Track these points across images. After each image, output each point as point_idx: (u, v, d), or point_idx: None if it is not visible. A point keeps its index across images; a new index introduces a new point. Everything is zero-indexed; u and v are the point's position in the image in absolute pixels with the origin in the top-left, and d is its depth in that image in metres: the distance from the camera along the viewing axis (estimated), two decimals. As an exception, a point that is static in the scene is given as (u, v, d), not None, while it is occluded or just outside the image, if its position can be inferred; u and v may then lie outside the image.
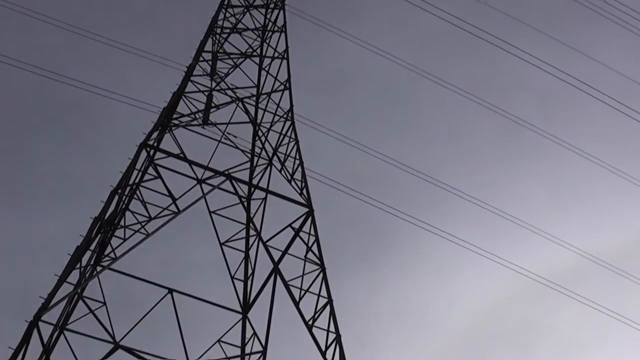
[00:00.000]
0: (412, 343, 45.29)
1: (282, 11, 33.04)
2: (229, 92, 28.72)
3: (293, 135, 28.29)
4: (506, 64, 50.91)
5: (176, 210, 23.40)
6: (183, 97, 26.94)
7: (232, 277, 27.12)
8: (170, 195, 23.79)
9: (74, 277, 21.02)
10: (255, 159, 28.93)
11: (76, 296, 21.95)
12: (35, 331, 19.03)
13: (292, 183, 26.88)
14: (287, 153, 27.95)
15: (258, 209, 27.54)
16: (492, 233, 42.17)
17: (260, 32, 32.03)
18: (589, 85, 38.26)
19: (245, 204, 27.75)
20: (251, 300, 26.55)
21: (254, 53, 31.14)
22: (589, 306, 33.67)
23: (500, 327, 48.21)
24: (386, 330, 44.51)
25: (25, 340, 19.11)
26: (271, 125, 29.00)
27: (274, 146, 28.42)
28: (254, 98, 29.80)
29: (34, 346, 19.34)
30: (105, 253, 23.00)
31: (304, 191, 26.18)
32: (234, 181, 25.03)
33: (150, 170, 24.07)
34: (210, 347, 25.00)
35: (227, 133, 28.09)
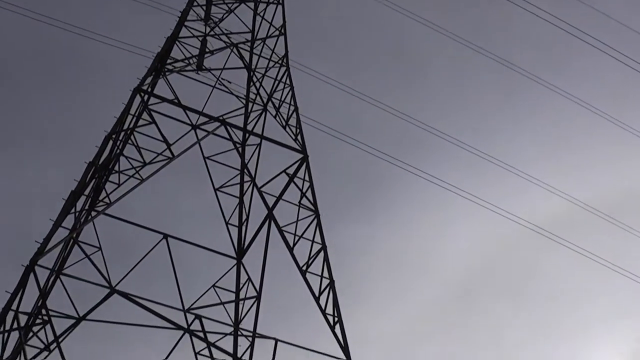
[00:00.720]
0: (406, 289, 45.73)
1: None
2: (224, 38, 28.48)
3: (288, 82, 28.14)
4: (504, 13, 50.48)
5: (170, 156, 23.38)
6: (177, 42, 26.70)
7: (227, 223, 27.25)
8: (165, 140, 23.75)
9: (69, 222, 21.12)
10: (250, 104, 28.82)
11: (71, 241, 22.03)
12: (31, 275, 19.16)
13: (287, 129, 26.83)
14: (282, 99, 27.84)
15: (252, 154, 27.55)
16: (488, 181, 42.27)
17: (255, -24, 31.62)
18: (586, 33, 37.99)
19: (240, 149, 27.75)
20: (245, 245, 26.72)
21: (249, -3, 30.79)
22: (581, 254, 33.95)
23: (494, 274, 48.69)
24: (380, 277, 44.90)
25: (22, 284, 19.25)
26: (266, 71, 28.82)
27: (268, 92, 28.29)
28: (249, 44, 29.55)
29: (30, 291, 19.51)
30: (100, 198, 23.03)
31: (299, 137, 26.15)
32: (228, 127, 24.98)
33: (145, 115, 23.98)
34: (205, 292, 25.25)
35: (222, 79, 27.94)
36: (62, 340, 20.85)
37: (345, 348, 23.53)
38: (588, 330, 48.96)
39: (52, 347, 20.48)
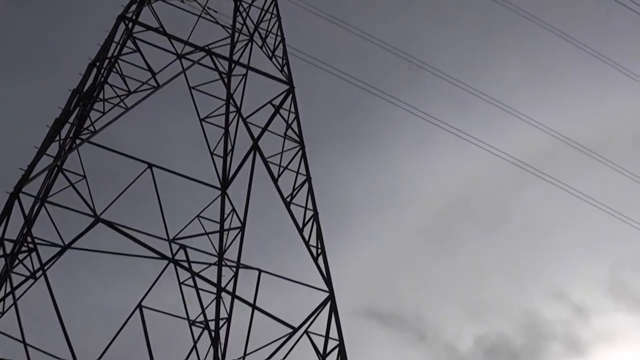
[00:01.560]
0: (388, 219, 46.22)
1: None
2: (210, -35, 27.97)
3: (275, 12, 27.78)
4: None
5: (155, 85, 23.19)
6: (162, -32, 26.22)
7: (212, 153, 27.23)
8: (150, 69, 23.52)
9: (53, 150, 21.02)
10: (236, 34, 28.50)
11: (56, 168, 21.97)
12: (16, 203, 19.14)
13: (273, 60, 26.60)
14: (269, 29, 27.53)
15: (238, 85, 27.35)
16: (468, 113, 42.33)
17: None
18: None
19: (226, 80, 27.54)
20: (230, 176, 26.76)
21: None
22: (561, 188, 34.29)
23: (474, 206, 49.27)
24: (363, 207, 45.27)
25: (7, 212, 19.23)
26: (252, 1, 28.42)
27: (255, 22, 27.94)
28: (235, -29, 29.06)
29: (15, 218, 19.52)
30: (84, 126, 22.89)
31: (285, 68, 25.96)
32: (214, 57, 24.74)
33: (129, 44, 23.68)
34: (189, 222, 25.38)
35: (208, 8, 27.54)
36: (47, 268, 20.99)
37: (327, 279, 23.84)
38: (565, 260, 50.06)
39: (37, 274, 20.62)
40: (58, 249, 21.05)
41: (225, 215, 26.32)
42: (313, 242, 24.14)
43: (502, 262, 50.77)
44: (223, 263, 24.93)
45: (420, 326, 47.50)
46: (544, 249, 50.08)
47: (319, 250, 23.92)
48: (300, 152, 24.45)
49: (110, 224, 20.39)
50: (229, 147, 27.43)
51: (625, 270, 48.81)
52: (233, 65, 28.02)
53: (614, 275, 50.47)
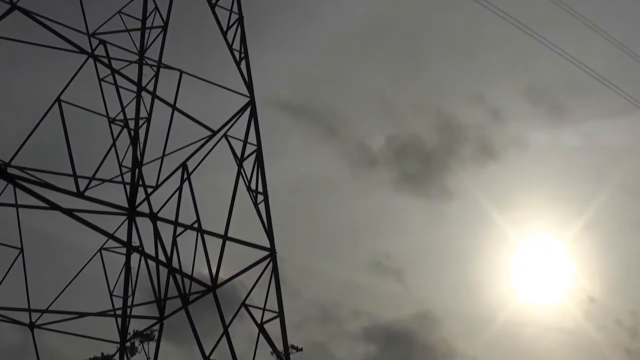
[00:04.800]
0: (312, 26, 46.41)
1: None
2: None
3: None
4: None
5: None
6: None
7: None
8: None
9: None
10: None
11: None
12: None
13: None
14: None
15: None
16: None
17: None
18: None
19: None
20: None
21: None
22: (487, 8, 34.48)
23: (393, 26, 49.55)
24: (286, 14, 45.07)
25: None
26: None
27: None
28: None
29: None
30: None
31: None
32: None
33: None
34: (110, 17, 24.82)
35: None
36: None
37: (249, 84, 23.93)
38: (483, 64, 51.36)
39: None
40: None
41: (148, 13, 25.69)
42: (237, 46, 24.00)
43: (420, 65, 51.74)
44: (144, 62, 24.63)
45: (332, 121, 48.69)
46: (462, 52, 51.05)
47: (242, 55, 23.85)
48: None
49: (27, 13, 19.74)
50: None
51: (544, 79, 50.25)
52: None
53: (531, 80, 52.09)
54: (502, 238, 47.10)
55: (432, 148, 50.52)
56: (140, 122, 24.98)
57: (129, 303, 24.86)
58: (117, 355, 24.39)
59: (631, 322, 48.39)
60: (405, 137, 50.35)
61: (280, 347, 21.99)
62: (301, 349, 21.86)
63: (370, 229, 50.84)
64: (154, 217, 23.05)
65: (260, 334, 21.88)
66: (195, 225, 22.54)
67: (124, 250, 24.93)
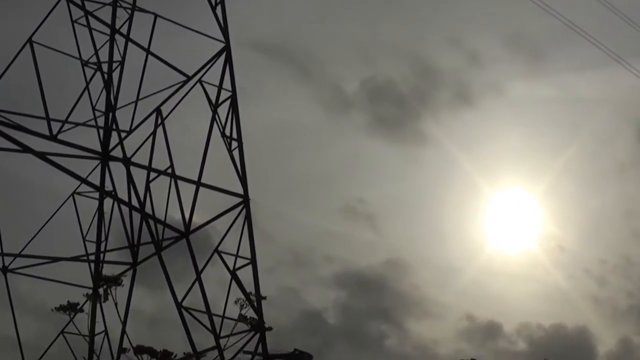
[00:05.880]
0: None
1: None
2: None
3: None
4: None
5: None
6: None
7: None
8: None
9: None
10: None
11: None
12: None
13: None
14: None
15: None
16: None
17: None
18: None
19: None
20: None
21: None
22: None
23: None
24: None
25: None
26: None
27: None
28: None
29: None
30: None
31: None
32: None
33: None
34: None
35: None
36: None
37: (224, 30, 23.67)
38: (463, 6, 50.91)
39: None
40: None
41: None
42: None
43: (397, 7, 51.27)
44: (118, 4, 24.23)
45: (306, 63, 48.30)
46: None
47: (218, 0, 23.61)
48: None
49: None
50: None
51: (524, 27, 50.06)
52: None
53: (510, 28, 51.90)
54: (475, 186, 47.50)
55: (408, 92, 50.25)
56: (114, 65, 24.66)
57: (102, 248, 24.83)
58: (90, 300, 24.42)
59: (600, 271, 49.27)
60: (381, 80, 50.03)
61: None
62: (264, 298, 22.19)
63: (343, 174, 51.01)
64: (127, 161, 22.93)
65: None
66: (169, 170, 22.47)
67: (96, 195, 24.80)
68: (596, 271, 49.59)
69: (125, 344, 21.08)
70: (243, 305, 21.61)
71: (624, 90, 45.84)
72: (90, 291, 21.79)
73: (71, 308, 16.69)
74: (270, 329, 22.34)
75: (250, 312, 21.84)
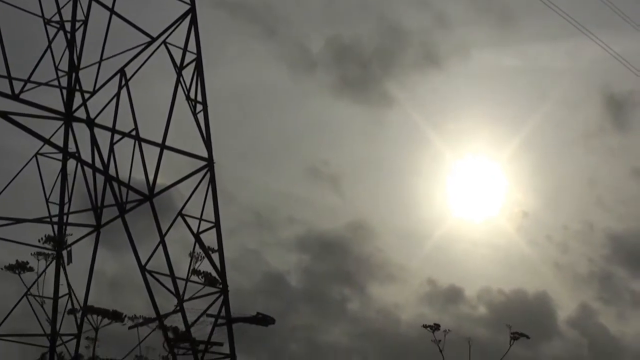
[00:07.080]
0: None
1: None
2: None
3: None
4: None
5: None
6: None
7: None
8: None
9: None
10: None
11: None
12: None
13: None
14: None
15: None
16: None
17: None
18: None
19: None
20: None
21: None
22: None
23: None
24: None
25: None
26: None
27: None
28: None
29: None
30: None
31: None
32: None
33: None
34: None
35: None
36: None
37: (191, -9, 23.41)
38: None
39: None
40: None
41: None
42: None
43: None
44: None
45: (271, 20, 47.71)
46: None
47: (183, -40, 23.30)
48: None
49: None
50: None
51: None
52: None
53: None
54: (440, 150, 47.71)
55: (374, 52, 49.88)
56: (77, 24, 24.28)
57: (65, 210, 24.65)
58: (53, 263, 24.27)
59: (562, 237, 50.00)
60: (346, 39, 49.56)
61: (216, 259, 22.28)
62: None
63: (308, 136, 50.82)
64: (90, 123, 22.74)
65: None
66: (133, 132, 22.31)
67: (60, 156, 24.55)
68: (558, 237, 50.32)
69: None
70: (198, 258, 21.76)
71: (589, 60, 46.18)
72: (39, 251, 21.75)
73: (20, 267, 16.48)
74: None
75: (203, 267, 21.99)
